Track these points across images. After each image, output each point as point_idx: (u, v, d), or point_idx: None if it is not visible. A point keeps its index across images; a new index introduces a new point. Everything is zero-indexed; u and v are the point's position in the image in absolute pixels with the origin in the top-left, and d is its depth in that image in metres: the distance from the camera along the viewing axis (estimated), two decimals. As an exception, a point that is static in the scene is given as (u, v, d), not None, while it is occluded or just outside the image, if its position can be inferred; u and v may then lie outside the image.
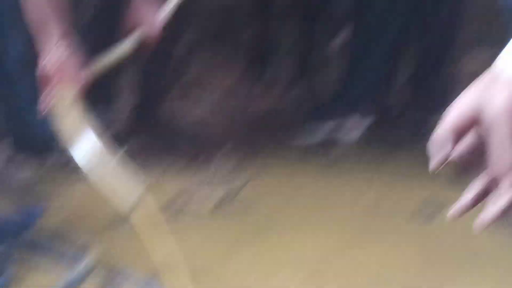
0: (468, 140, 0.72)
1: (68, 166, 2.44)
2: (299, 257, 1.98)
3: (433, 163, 0.72)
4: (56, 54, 1.77)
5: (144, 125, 2.81)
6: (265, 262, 1.95)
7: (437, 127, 0.73)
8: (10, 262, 1.84)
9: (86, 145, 1.68)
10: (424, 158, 0.72)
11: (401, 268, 1.96)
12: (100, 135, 1.71)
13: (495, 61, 0.73)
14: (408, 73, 2.99)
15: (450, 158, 0.71)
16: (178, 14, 2.17)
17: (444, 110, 0.73)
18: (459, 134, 0.72)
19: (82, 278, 1.80)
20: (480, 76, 0.73)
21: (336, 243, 2.06)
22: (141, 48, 1.98)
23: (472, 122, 0.70)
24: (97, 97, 2.69)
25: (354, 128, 2.85)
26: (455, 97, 0.73)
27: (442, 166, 0.72)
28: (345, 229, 2.15)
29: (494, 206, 0.68)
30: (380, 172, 2.54)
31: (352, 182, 2.46)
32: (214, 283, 1.87)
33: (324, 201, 2.33)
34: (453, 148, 0.71)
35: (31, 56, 1.98)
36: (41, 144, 2.46)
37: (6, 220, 2.09)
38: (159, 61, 2.81)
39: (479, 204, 0.72)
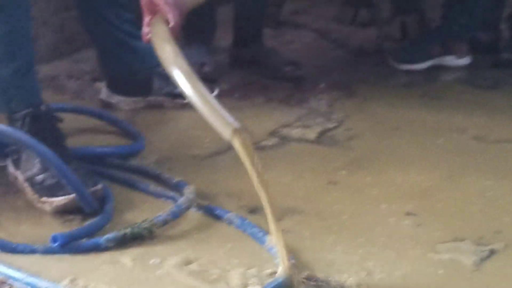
0: None
1: (162, 105, 2.46)
2: (402, 189, 1.92)
3: None
4: None
5: (239, 64, 2.80)
6: (365, 194, 1.90)
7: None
8: (109, 198, 1.83)
9: (183, 77, 1.64)
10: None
11: (508, 195, 1.89)
12: (196, 71, 1.67)
13: None
14: (507, 13, 2.92)
15: None
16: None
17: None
18: None
19: (181, 212, 1.78)
20: None
21: (441, 175, 1.99)
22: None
23: None
24: (194, 35, 2.71)
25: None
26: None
27: None
28: (451, 161, 2.08)
29: None
30: (483, 107, 2.47)
31: (455, 115, 2.38)
32: (314, 210, 1.83)
33: (428, 133, 2.26)
34: None
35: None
36: (135, 85, 2.46)
37: (106, 152, 2.09)
38: (254, 1, 2.80)
39: None
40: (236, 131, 1.52)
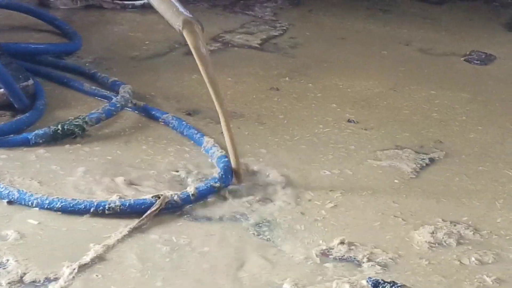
0: None
1: (101, 6, 2.37)
2: (345, 96, 1.89)
3: None
4: None
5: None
6: (306, 100, 1.87)
7: None
8: (41, 94, 1.76)
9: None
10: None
11: (452, 105, 1.88)
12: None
13: None
14: None
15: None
16: None
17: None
18: None
19: (115, 110, 1.71)
20: None
21: (386, 84, 1.97)
22: None
23: None
24: None
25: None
26: None
27: None
28: (396, 72, 2.05)
29: None
30: (430, 21, 2.45)
31: (401, 28, 2.36)
32: (255, 114, 1.79)
33: (373, 44, 2.23)
34: None
35: None
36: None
37: (40, 49, 2.01)
38: None
39: None
40: (186, 22, 1.47)
